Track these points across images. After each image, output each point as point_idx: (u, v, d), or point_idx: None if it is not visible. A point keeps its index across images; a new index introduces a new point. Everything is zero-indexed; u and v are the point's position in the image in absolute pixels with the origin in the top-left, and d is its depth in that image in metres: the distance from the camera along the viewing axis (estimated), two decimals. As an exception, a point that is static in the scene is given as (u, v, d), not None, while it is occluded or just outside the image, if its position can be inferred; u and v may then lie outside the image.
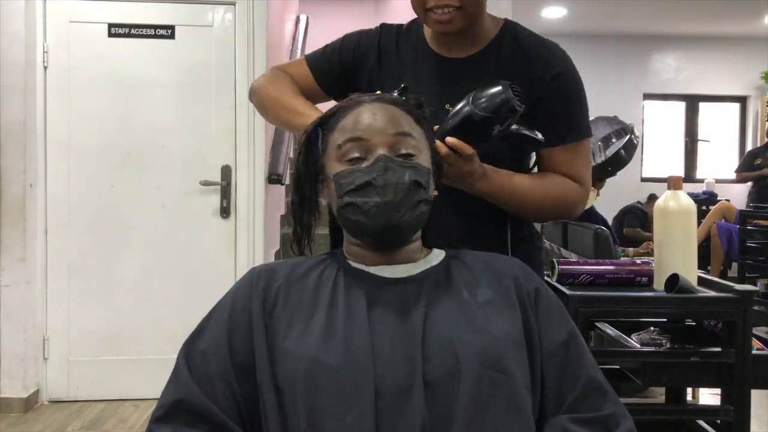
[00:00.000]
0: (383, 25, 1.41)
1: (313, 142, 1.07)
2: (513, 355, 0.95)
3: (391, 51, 1.36)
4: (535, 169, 1.36)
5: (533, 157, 1.37)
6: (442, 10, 1.21)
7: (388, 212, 0.96)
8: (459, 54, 1.31)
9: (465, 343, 0.92)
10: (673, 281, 1.53)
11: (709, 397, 2.70)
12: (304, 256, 1.08)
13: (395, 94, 1.09)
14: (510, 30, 1.32)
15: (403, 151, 1.00)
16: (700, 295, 1.55)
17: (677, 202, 1.61)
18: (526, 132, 1.21)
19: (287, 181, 3.78)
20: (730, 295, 1.53)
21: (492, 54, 1.30)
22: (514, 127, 1.17)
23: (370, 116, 1.01)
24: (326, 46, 1.42)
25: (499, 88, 1.12)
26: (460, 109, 1.14)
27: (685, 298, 1.52)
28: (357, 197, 0.97)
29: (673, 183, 1.63)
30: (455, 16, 1.21)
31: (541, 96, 1.26)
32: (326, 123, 1.06)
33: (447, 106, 1.21)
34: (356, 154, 0.99)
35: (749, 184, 6.24)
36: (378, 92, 1.11)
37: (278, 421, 0.91)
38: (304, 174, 1.07)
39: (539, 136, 1.22)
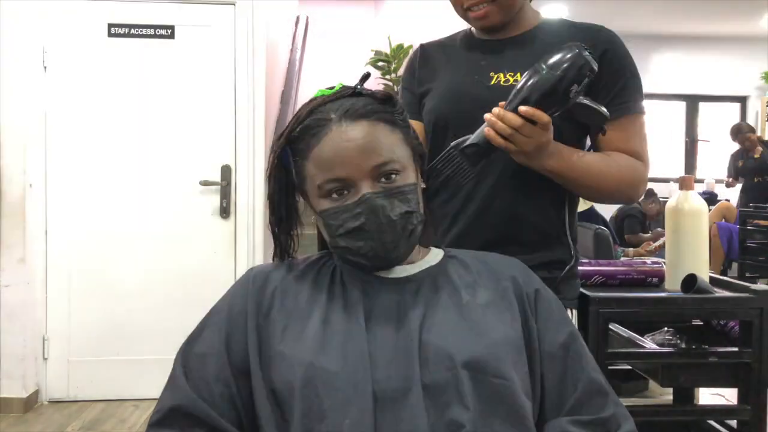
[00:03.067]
0: (421, 46, 1.46)
1: (283, 162, 1.02)
2: (512, 359, 0.94)
3: (433, 58, 1.40)
4: None
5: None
6: (477, 7, 1.27)
7: (384, 252, 0.95)
8: (504, 36, 1.34)
9: (463, 346, 0.92)
10: (691, 282, 1.54)
11: (709, 397, 2.69)
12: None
13: (357, 84, 1.02)
14: (555, 19, 1.37)
15: (386, 174, 0.96)
16: (718, 295, 1.55)
17: (689, 203, 1.62)
18: (592, 104, 1.16)
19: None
20: (747, 295, 1.54)
21: (538, 32, 1.33)
22: (581, 98, 1.15)
23: (344, 146, 0.94)
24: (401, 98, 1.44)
25: (573, 48, 1.10)
26: (530, 76, 1.11)
27: (704, 298, 1.53)
28: (350, 242, 0.96)
29: (684, 183, 1.65)
30: (491, 10, 1.27)
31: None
32: (294, 142, 1.00)
33: (509, 78, 1.25)
34: (338, 190, 0.96)
35: (741, 181, 6.37)
36: (340, 84, 1.04)
37: (274, 425, 0.90)
38: (278, 195, 1.04)
39: (604, 109, 1.18)
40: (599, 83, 1.25)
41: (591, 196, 1.32)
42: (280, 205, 1.04)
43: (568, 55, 1.09)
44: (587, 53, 1.09)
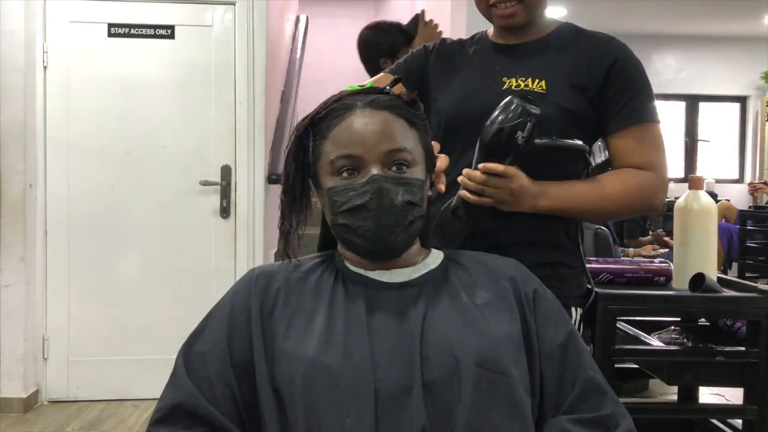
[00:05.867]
0: (441, 41, 1.47)
1: (303, 142, 1.05)
2: (512, 356, 0.95)
3: (448, 59, 1.41)
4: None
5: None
6: (505, 5, 1.28)
7: (381, 236, 0.96)
8: (519, 41, 1.35)
9: (463, 344, 0.92)
10: (699, 281, 1.54)
11: (709, 397, 2.70)
12: (288, 258, 1.05)
13: (387, 87, 1.06)
14: (569, 25, 1.37)
15: (398, 162, 0.98)
16: (725, 294, 1.55)
17: (698, 202, 1.63)
18: (558, 143, 1.21)
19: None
20: (754, 294, 1.54)
21: (552, 40, 1.34)
22: (549, 140, 1.19)
23: (362, 128, 0.98)
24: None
25: (509, 101, 1.16)
26: (481, 134, 1.18)
27: (712, 297, 1.53)
28: (350, 219, 0.97)
29: (693, 183, 1.66)
30: (517, 10, 1.28)
31: (601, 84, 1.27)
32: (317, 124, 1.03)
33: (521, 83, 1.27)
34: (349, 169, 0.98)
35: None
36: (370, 83, 1.09)
37: (277, 423, 0.91)
38: (293, 174, 1.05)
39: (579, 143, 1.23)
40: (607, 94, 1.27)
41: (602, 219, 1.33)
42: (294, 184, 1.05)
43: (503, 108, 1.16)
44: (522, 101, 1.14)
